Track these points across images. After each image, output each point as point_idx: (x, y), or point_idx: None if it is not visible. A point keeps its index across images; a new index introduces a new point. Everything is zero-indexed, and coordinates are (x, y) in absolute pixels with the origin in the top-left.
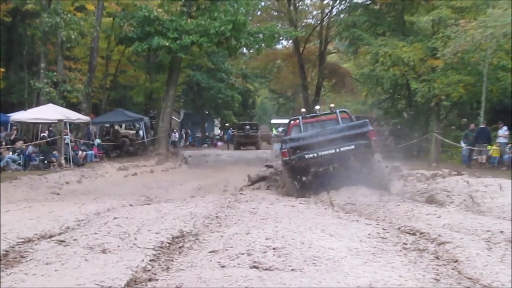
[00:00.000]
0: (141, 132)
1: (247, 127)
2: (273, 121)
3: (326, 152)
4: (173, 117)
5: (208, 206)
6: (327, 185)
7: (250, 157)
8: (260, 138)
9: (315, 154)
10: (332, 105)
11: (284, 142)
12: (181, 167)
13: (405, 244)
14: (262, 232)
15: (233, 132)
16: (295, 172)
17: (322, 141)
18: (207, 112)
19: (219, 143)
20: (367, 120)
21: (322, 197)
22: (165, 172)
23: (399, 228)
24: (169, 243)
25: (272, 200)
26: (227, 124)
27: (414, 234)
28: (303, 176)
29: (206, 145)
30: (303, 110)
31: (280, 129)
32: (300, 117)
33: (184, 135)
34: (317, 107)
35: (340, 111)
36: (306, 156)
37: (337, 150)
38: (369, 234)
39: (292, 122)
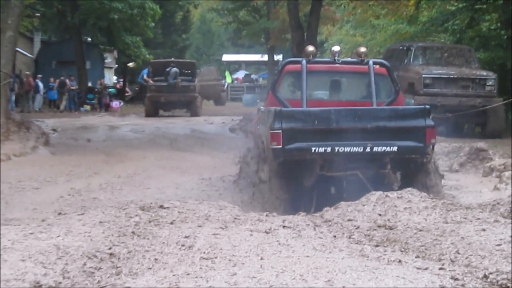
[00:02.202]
0: None
1: (173, 70)
2: (226, 57)
3: (348, 149)
4: (19, 49)
5: (93, 233)
6: (338, 198)
7: (179, 132)
8: (200, 92)
9: (329, 149)
10: (363, 49)
11: (276, 117)
12: (37, 153)
13: None
14: (205, 286)
15: (145, 79)
16: (288, 172)
17: (346, 127)
18: (89, 40)
19: (115, 104)
20: (429, 106)
21: (326, 214)
22: (3, 163)
23: (485, 276)
24: None
25: (226, 220)
26: (131, 65)
27: None
28: (301, 181)
29: (86, 108)
30: (310, 49)
31: (241, 73)
32: (304, 61)
33: (40, 86)
34: (336, 48)
35: (375, 63)
36: (313, 149)
37: (367, 149)
38: None
39: (288, 66)
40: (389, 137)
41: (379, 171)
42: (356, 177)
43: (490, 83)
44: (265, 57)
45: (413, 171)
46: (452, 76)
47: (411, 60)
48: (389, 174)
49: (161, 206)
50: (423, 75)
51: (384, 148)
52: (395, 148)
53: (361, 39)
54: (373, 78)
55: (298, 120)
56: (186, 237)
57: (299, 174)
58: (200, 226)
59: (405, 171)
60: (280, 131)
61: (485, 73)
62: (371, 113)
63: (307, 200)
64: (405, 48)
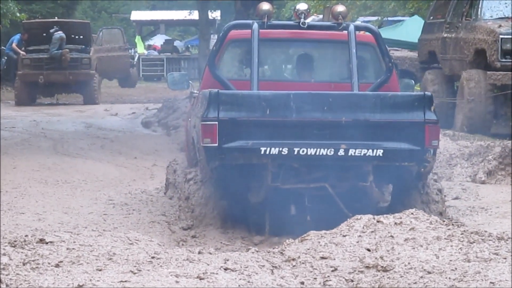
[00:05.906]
0: None
1: (57, 35)
2: (136, 15)
3: (312, 151)
4: None
5: None
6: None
7: (67, 128)
8: (99, 68)
9: (285, 151)
10: (340, 8)
11: (210, 102)
12: None
13: None
14: None
15: (15, 48)
16: (226, 182)
17: (311, 120)
18: None
19: None
20: (430, 94)
21: (289, 250)
22: None
23: None
24: None
25: (139, 261)
26: None
27: None
28: (244, 195)
29: None
30: (265, 7)
31: (159, 39)
32: (255, 25)
33: None
34: (303, 6)
35: (358, 28)
36: (263, 150)
37: (340, 152)
38: None
39: (232, 31)
40: (372, 136)
41: (357, 184)
42: (324, 192)
43: None
44: (195, 15)
45: (405, 185)
46: None
47: (479, 13)
48: (371, 188)
49: (42, 241)
50: (501, 36)
51: (364, 151)
52: (380, 152)
53: None
54: (354, 50)
55: (242, 108)
56: (79, 286)
57: (242, 186)
58: (100, 270)
59: (394, 185)
60: (216, 122)
61: None
62: (346, 100)
63: (256, 221)
64: None
